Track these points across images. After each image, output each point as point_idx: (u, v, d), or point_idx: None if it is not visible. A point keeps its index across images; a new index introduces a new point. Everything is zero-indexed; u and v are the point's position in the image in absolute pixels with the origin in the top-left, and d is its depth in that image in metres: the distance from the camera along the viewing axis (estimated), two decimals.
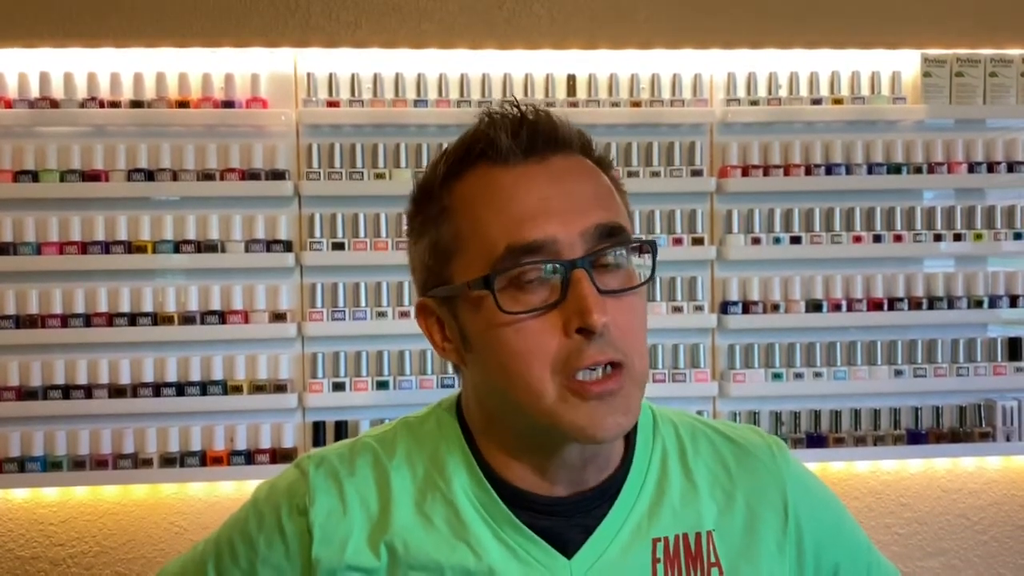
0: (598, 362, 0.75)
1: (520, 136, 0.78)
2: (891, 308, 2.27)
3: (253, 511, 0.88)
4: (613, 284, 0.77)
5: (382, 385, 2.17)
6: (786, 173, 2.25)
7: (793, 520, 0.88)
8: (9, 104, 2.11)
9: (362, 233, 2.17)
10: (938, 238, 2.28)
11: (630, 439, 0.87)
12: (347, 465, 0.85)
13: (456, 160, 0.80)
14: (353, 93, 2.18)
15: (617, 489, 0.84)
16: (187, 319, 2.13)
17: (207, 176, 2.14)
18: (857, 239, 2.26)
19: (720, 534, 0.85)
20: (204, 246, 2.14)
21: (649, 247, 0.80)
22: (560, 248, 0.75)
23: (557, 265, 0.75)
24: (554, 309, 0.75)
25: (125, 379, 2.12)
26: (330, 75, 2.17)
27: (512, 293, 0.76)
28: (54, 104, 2.11)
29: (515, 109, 0.79)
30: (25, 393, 2.10)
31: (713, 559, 0.84)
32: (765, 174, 2.25)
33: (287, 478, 0.87)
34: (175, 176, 2.13)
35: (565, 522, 0.82)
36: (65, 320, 2.10)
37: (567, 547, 0.81)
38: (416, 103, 2.18)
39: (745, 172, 2.25)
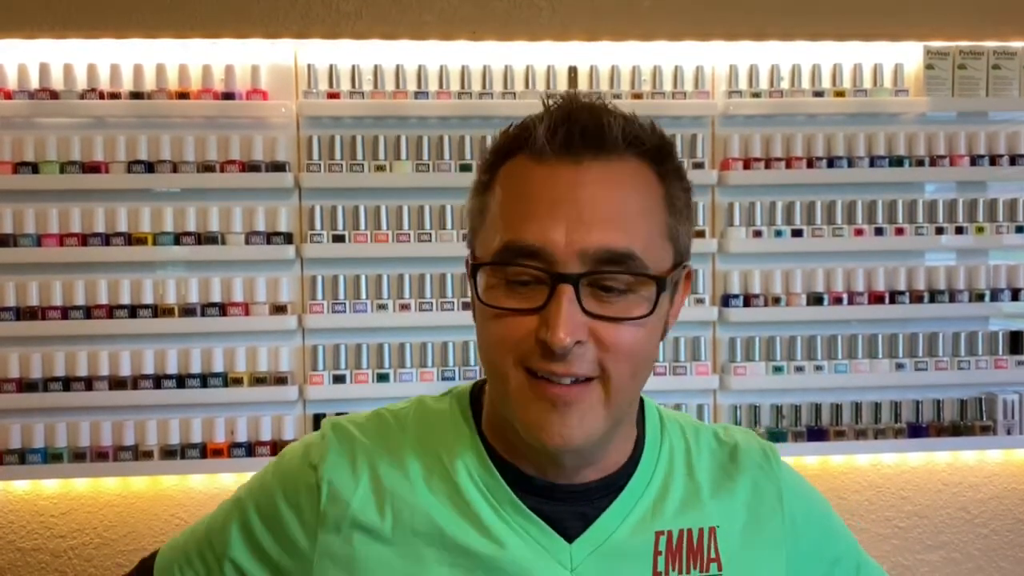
0: (558, 375, 0.74)
1: (557, 134, 0.74)
2: (892, 301, 2.27)
3: (275, 464, 0.91)
4: (608, 310, 0.75)
5: (382, 378, 2.17)
6: (788, 166, 2.25)
7: (789, 522, 0.90)
8: (9, 95, 2.10)
9: (363, 225, 2.17)
10: (940, 231, 2.28)
11: (640, 437, 0.88)
12: (363, 432, 0.88)
13: (509, 141, 0.79)
14: (354, 85, 2.18)
15: (623, 482, 0.85)
16: (187, 311, 2.13)
17: (207, 168, 2.13)
18: (859, 232, 2.26)
19: (721, 532, 0.86)
20: (204, 238, 2.13)
21: (653, 283, 0.77)
22: (555, 259, 0.74)
23: (544, 275, 0.74)
24: (534, 313, 0.75)
25: (125, 371, 2.12)
26: (330, 67, 2.17)
27: (503, 287, 0.76)
28: (54, 95, 2.10)
29: (567, 103, 0.77)
30: (25, 385, 2.10)
31: (713, 554, 0.85)
32: (767, 167, 2.25)
33: (309, 437, 0.91)
34: (175, 168, 2.13)
35: (567, 508, 0.83)
36: (65, 312, 2.10)
37: (568, 532, 0.82)
38: (417, 95, 2.17)
39: (747, 165, 2.24)
